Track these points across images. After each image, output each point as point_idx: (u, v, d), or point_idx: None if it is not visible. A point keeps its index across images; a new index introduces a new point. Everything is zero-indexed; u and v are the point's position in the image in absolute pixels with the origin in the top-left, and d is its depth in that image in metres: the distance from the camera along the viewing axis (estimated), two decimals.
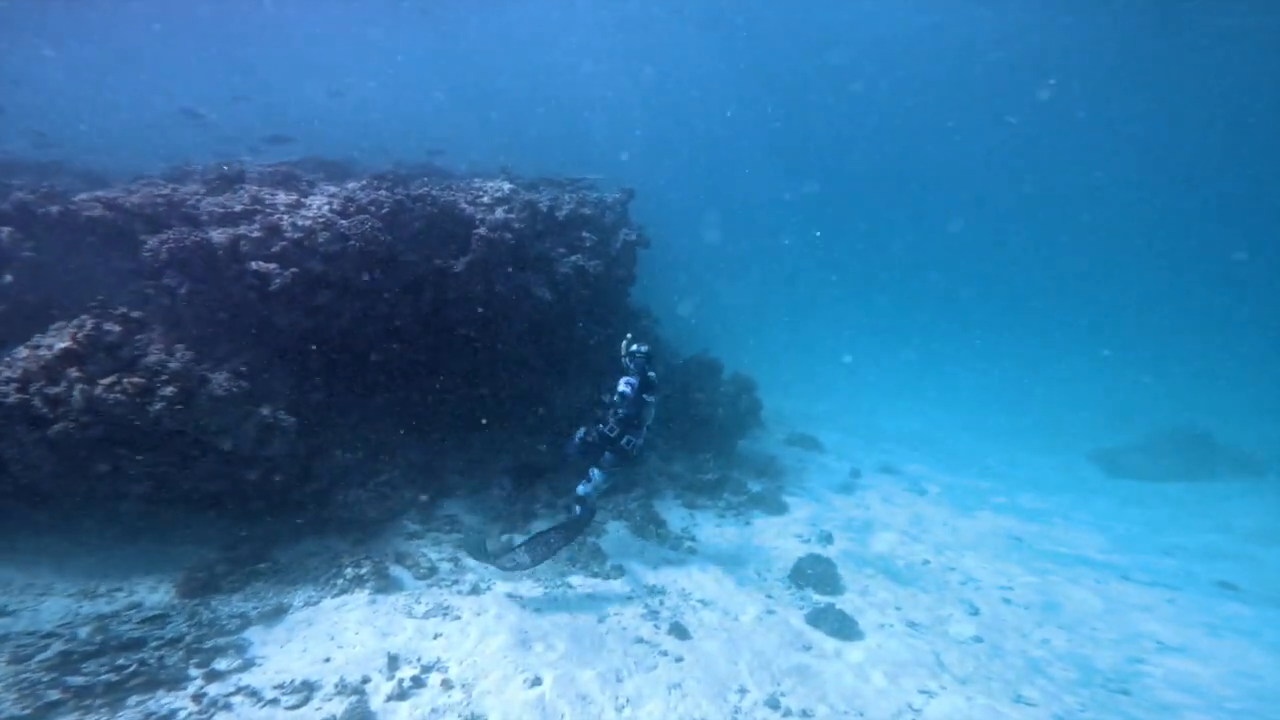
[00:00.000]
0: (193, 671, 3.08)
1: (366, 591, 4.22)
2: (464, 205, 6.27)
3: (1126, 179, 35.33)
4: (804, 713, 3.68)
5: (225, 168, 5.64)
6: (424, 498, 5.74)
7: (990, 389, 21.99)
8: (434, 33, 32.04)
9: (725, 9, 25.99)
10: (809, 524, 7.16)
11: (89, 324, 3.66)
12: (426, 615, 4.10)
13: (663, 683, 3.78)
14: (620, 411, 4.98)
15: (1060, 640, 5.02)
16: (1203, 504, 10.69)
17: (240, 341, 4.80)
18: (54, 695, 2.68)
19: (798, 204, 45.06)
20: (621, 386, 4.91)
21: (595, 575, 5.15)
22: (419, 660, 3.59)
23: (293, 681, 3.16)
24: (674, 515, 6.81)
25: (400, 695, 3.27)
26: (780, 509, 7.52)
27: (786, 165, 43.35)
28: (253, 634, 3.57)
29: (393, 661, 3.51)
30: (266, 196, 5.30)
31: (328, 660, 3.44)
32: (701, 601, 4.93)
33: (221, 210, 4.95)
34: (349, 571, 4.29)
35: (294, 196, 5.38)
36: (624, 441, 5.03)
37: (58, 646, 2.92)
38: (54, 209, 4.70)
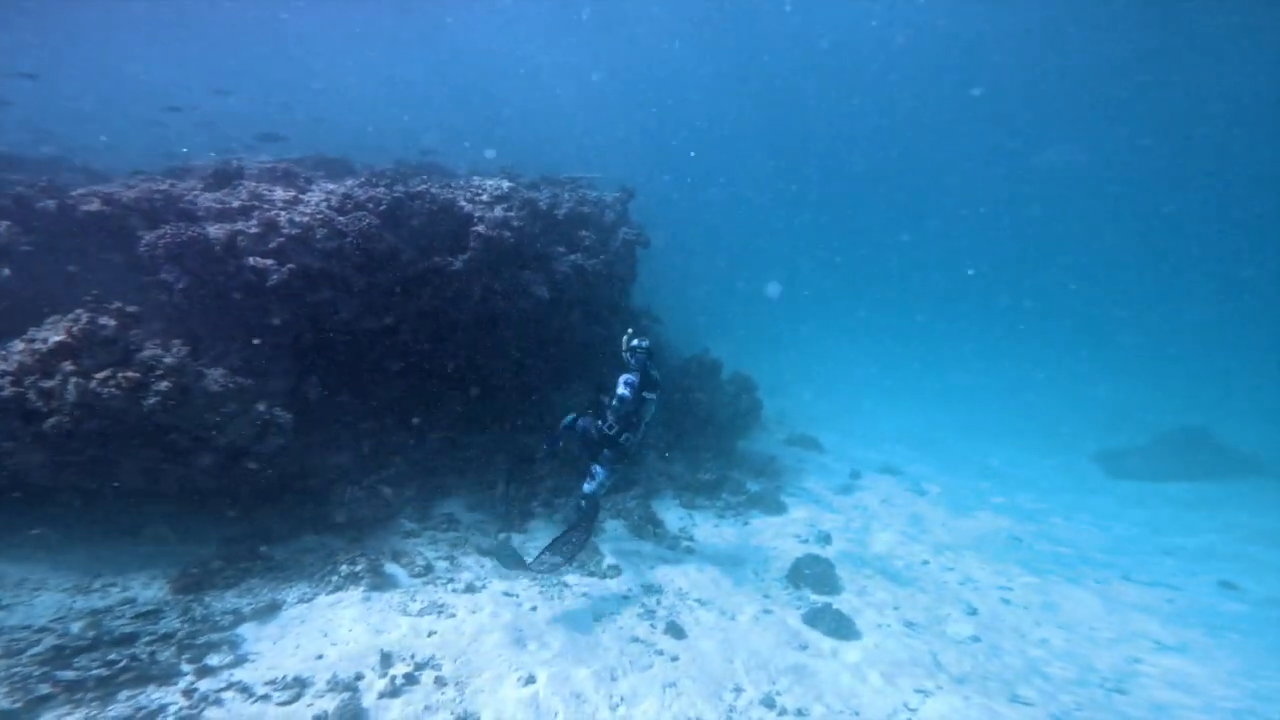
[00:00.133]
0: (184, 667, 3.07)
1: (361, 589, 4.21)
2: (463, 203, 6.28)
3: (1124, 180, 35.29)
4: (799, 712, 3.66)
5: (224, 164, 5.64)
6: (421, 496, 5.73)
7: (991, 390, 21.93)
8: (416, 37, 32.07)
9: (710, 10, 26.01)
10: (807, 524, 7.14)
11: (84, 318, 3.65)
12: (421, 613, 4.09)
13: (658, 681, 3.77)
14: (623, 410, 4.97)
15: (1059, 640, 5.00)
16: (1203, 504, 10.65)
17: (238, 337, 4.81)
18: (45, 689, 2.67)
19: (794, 204, 45.14)
20: (621, 389, 4.89)
21: (592, 574, 5.13)
22: (412, 657, 3.58)
23: (284, 678, 3.15)
24: (672, 515, 6.79)
25: (393, 692, 3.25)
26: (779, 509, 7.51)
27: (781, 164, 43.43)
28: (246, 630, 3.56)
29: (386, 659, 3.49)
30: (265, 193, 5.31)
31: (320, 657, 3.43)
32: (698, 601, 4.91)
33: (219, 206, 4.96)
34: (344, 569, 4.28)
35: (292, 193, 5.38)
36: (623, 439, 5.02)
37: (50, 641, 2.91)
38: (51, 203, 4.71)
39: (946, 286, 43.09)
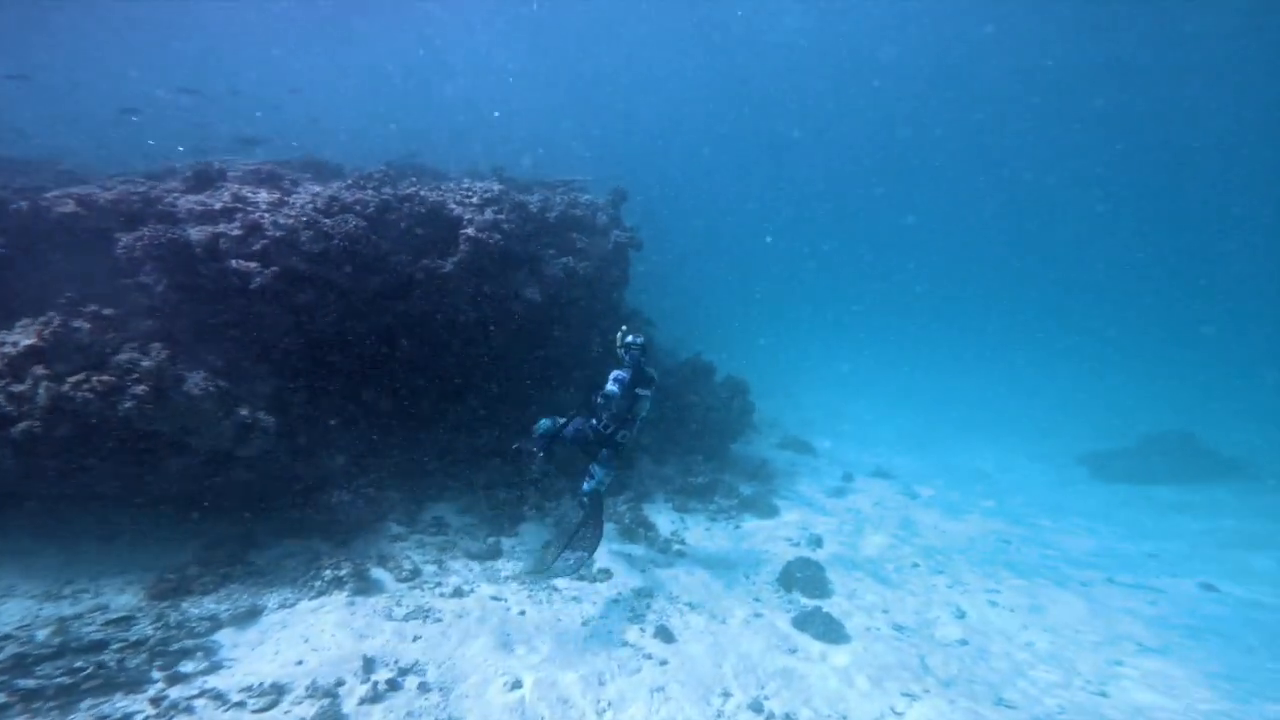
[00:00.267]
0: (155, 674, 2.99)
1: (345, 593, 4.14)
2: (453, 205, 6.24)
3: (1118, 182, 35.82)
4: (787, 716, 3.64)
5: (205, 166, 5.57)
6: (409, 500, 5.67)
7: (983, 393, 22.14)
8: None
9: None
10: (799, 527, 7.14)
11: (57, 321, 3.58)
12: (406, 618, 4.03)
13: (645, 686, 3.73)
14: (613, 408, 4.95)
15: (1044, 643, 5.02)
16: (1187, 507, 10.78)
17: (221, 340, 4.73)
18: (0, 698, 2.58)
19: (781, 210, 45.44)
20: (610, 385, 4.88)
21: (582, 578, 5.09)
22: (396, 663, 3.52)
23: (261, 684, 3.08)
24: (664, 518, 6.77)
25: (374, 698, 3.20)
26: (771, 512, 7.50)
27: (776, 164, 43.75)
28: (223, 636, 3.49)
29: (368, 664, 3.43)
30: (248, 195, 5.25)
31: (300, 663, 3.36)
32: (688, 604, 4.89)
33: (201, 208, 4.88)
34: (327, 573, 4.21)
35: (276, 195, 5.33)
36: (619, 436, 5.01)
37: (11, 649, 2.82)
38: (24, 204, 4.62)
39: (941, 290, 43.58)
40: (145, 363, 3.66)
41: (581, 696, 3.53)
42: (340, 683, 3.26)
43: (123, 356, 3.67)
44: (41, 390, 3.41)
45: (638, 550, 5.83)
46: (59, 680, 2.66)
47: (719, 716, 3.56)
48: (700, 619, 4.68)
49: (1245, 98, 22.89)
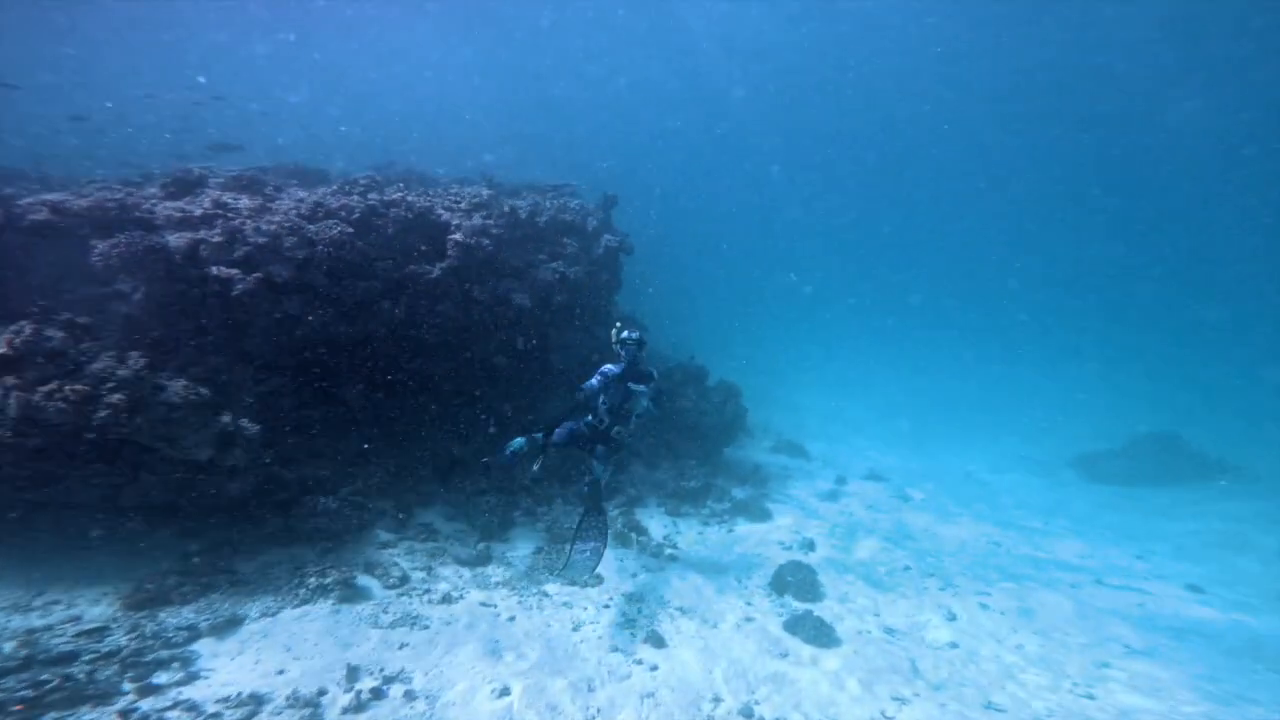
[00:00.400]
0: (126, 686, 2.90)
1: (330, 601, 4.07)
2: (440, 211, 6.23)
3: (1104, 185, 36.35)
4: None
5: (184, 172, 5.52)
6: (398, 509, 5.60)
7: (976, 397, 22.32)
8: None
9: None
10: (792, 531, 7.13)
11: (28, 329, 3.51)
12: (393, 625, 3.97)
13: (636, 692, 3.69)
14: (606, 402, 4.93)
15: (1033, 645, 5.03)
16: (1176, 508, 10.90)
17: (203, 348, 4.66)
18: None
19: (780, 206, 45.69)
20: (591, 379, 4.88)
21: (573, 583, 5.05)
22: (381, 671, 3.46)
23: (239, 694, 3.01)
24: (656, 523, 6.74)
25: (358, 707, 3.13)
26: (764, 516, 7.49)
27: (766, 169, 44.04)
28: (201, 646, 3.41)
29: (352, 673, 3.37)
30: (229, 201, 5.20)
31: (282, 672, 3.29)
32: (680, 609, 4.85)
33: (179, 215, 4.82)
34: (312, 581, 4.14)
35: (258, 201, 5.29)
36: (614, 432, 4.99)
37: None
38: None
39: (935, 292, 43.93)
40: (121, 371, 3.60)
41: (570, 703, 3.48)
42: (323, 692, 3.19)
43: (98, 365, 3.60)
44: (12, 400, 3.33)
45: (630, 555, 5.80)
46: (21, 694, 2.57)
47: None
48: (691, 624, 4.64)
49: (1245, 96, 23.15)
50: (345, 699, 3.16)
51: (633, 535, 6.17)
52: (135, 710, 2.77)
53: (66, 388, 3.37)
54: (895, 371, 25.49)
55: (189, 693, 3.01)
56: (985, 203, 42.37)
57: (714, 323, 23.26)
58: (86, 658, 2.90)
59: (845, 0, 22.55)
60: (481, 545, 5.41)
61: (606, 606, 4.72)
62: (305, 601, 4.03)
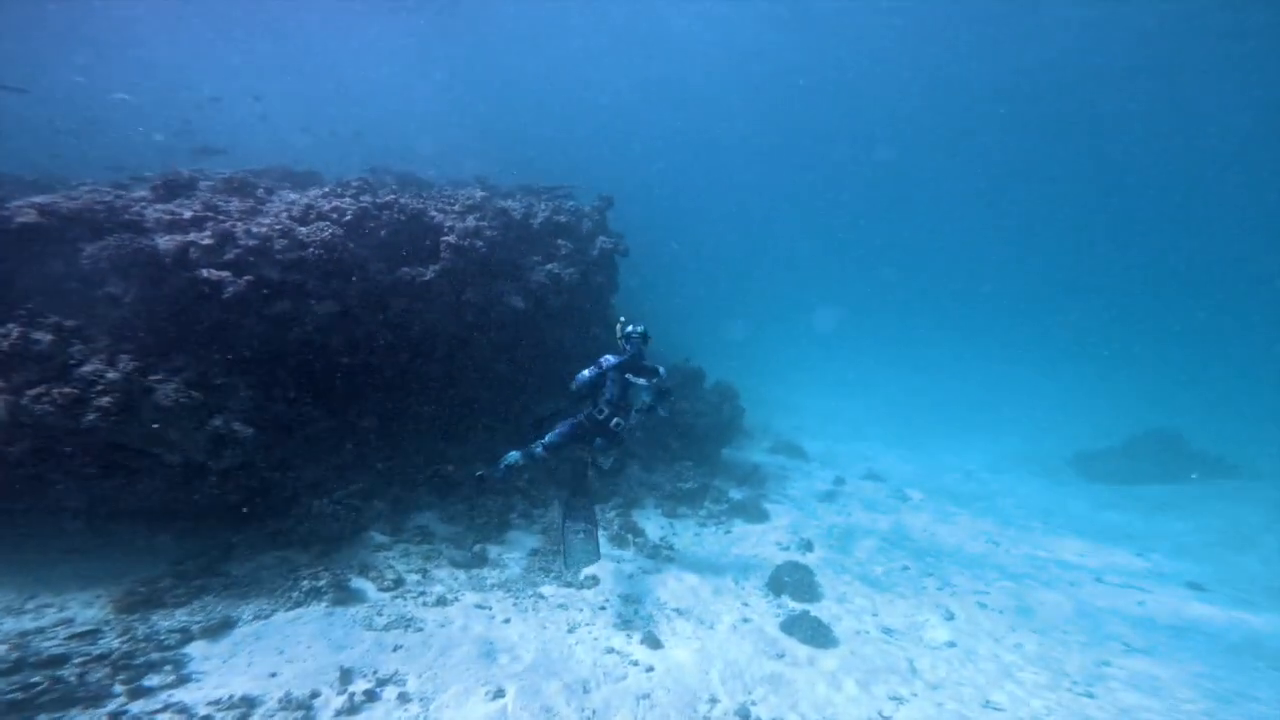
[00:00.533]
0: (117, 688, 2.89)
1: (324, 604, 4.06)
2: (434, 213, 6.23)
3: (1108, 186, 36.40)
4: None
5: (174, 175, 5.52)
6: (394, 509, 5.59)
7: (975, 396, 22.30)
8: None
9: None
10: (789, 531, 7.11)
11: (15, 332, 3.50)
12: (387, 627, 3.95)
13: (631, 694, 3.67)
14: (607, 393, 4.93)
15: (1032, 644, 5.01)
16: (1175, 506, 10.86)
17: (195, 351, 4.65)
18: None
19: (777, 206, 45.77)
20: (586, 370, 4.91)
21: (569, 585, 5.03)
22: (375, 673, 3.44)
23: (231, 697, 2.99)
24: (653, 524, 6.72)
25: (350, 710, 3.12)
26: (761, 517, 7.47)
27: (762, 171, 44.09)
28: (194, 649, 3.39)
29: (346, 675, 3.35)
30: (220, 204, 5.20)
31: (274, 675, 3.27)
32: (676, 610, 4.83)
33: (169, 217, 4.82)
34: (305, 584, 4.13)
35: (249, 203, 5.29)
36: (613, 424, 4.98)
37: None
38: None
39: (935, 291, 43.98)
40: (111, 374, 3.59)
41: (565, 705, 3.46)
42: (315, 694, 3.18)
43: (87, 368, 3.60)
44: (0, 403, 3.33)
45: (626, 556, 5.78)
46: (11, 696, 2.55)
47: None
48: (688, 625, 4.62)
49: (1244, 95, 23.18)
50: (338, 701, 3.15)
51: (629, 537, 6.15)
52: (125, 713, 2.75)
53: (54, 391, 3.36)
54: (895, 371, 25.49)
55: (180, 695, 2.99)
56: (985, 203, 42.50)
57: (712, 324, 23.28)
58: (77, 660, 2.89)
59: (833, 3, 22.64)
60: (477, 547, 5.39)
61: (602, 608, 4.70)
62: (299, 604, 4.02)
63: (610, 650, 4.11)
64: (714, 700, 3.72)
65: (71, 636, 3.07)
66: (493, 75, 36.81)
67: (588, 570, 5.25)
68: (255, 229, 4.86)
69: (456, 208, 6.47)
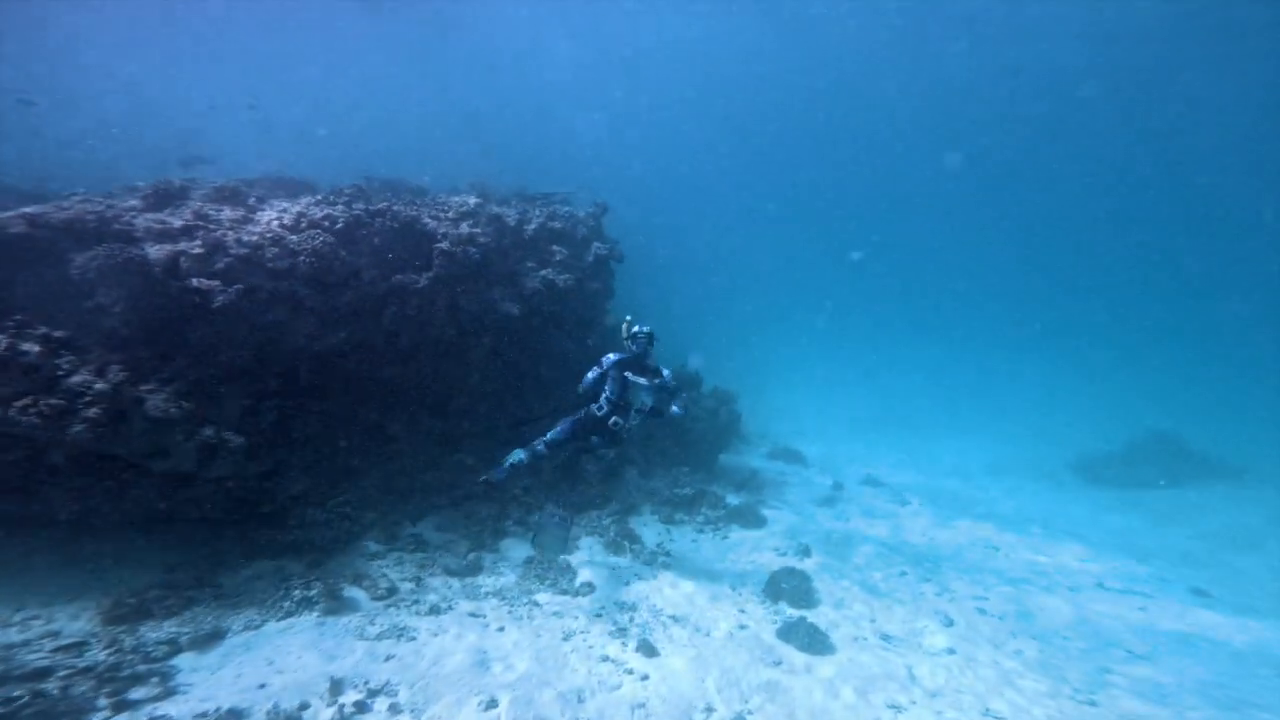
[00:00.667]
0: (101, 701, 2.85)
1: (315, 613, 4.02)
2: (427, 220, 6.24)
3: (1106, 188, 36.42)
4: None
5: (165, 183, 5.53)
6: (387, 518, 5.55)
7: (976, 400, 22.26)
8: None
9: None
10: (787, 537, 7.06)
11: (3, 343, 3.49)
12: (379, 637, 3.91)
13: (626, 702, 3.63)
14: (607, 391, 4.94)
15: (1032, 651, 4.95)
16: (1178, 511, 10.79)
17: (185, 361, 4.63)
18: None
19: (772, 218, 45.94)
20: (589, 372, 5.00)
21: (564, 593, 4.99)
22: (366, 684, 3.40)
23: (218, 709, 2.95)
24: (650, 531, 6.68)
25: None
26: (759, 522, 7.42)
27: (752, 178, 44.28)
28: (182, 660, 3.35)
29: (336, 686, 3.31)
30: (211, 212, 5.21)
31: (263, 686, 3.23)
32: (672, 618, 4.79)
33: (160, 226, 4.82)
34: (297, 593, 4.09)
35: (240, 212, 5.30)
36: (611, 422, 4.99)
37: None
38: None
39: (937, 294, 43.99)
40: (99, 385, 3.58)
41: (559, 714, 3.42)
42: (305, 706, 3.14)
43: (76, 379, 3.58)
44: None
45: (622, 563, 5.74)
46: None
47: None
48: (684, 632, 4.58)
49: (1246, 94, 23.17)
50: (328, 713, 3.11)
51: (625, 543, 6.11)
52: None
53: (41, 402, 3.35)
54: (896, 373, 25.47)
55: (165, 708, 2.95)
56: (985, 203, 42.56)
57: (711, 328, 23.30)
58: (62, 673, 2.85)
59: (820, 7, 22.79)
60: (472, 555, 5.36)
61: (598, 615, 4.65)
62: (290, 614, 3.98)
63: (605, 658, 4.07)
64: (710, 709, 3.68)
65: (57, 649, 3.03)
66: (485, 77, 37.08)
67: (583, 578, 5.22)
68: (246, 238, 4.87)
69: (450, 214, 6.48)
